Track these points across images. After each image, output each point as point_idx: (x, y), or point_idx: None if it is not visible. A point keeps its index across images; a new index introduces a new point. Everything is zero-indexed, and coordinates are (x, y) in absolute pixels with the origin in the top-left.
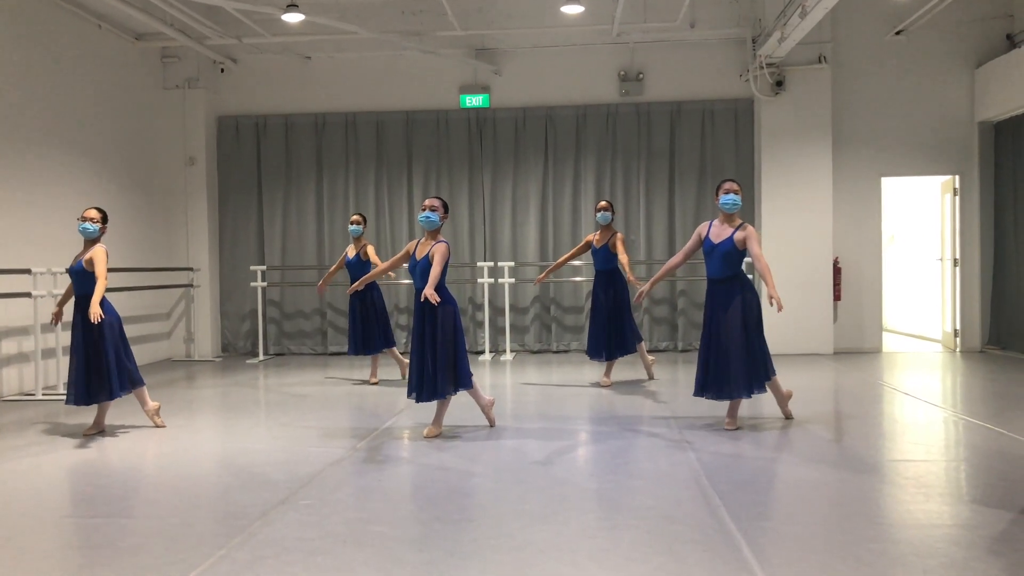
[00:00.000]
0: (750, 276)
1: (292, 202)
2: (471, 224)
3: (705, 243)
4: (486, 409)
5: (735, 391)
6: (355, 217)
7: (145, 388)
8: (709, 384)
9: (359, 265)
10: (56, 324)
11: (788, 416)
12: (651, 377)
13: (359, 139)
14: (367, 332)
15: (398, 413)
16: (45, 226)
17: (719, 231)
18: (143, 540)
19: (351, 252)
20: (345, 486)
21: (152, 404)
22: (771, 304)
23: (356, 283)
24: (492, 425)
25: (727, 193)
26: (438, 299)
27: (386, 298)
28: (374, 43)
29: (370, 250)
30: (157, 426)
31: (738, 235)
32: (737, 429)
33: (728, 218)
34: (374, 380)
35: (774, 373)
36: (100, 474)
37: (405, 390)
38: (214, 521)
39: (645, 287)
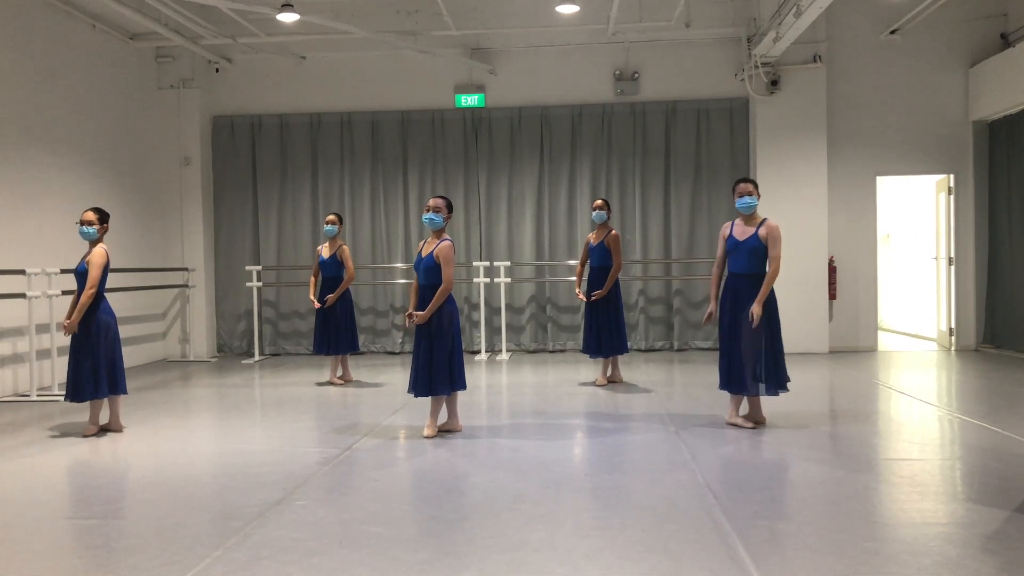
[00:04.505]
0: None
1: (287, 202)
2: (467, 224)
3: (729, 241)
4: (452, 422)
5: (753, 387)
6: (331, 217)
7: (120, 399)
8: (733, 378)
9: (334, 265)
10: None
11: (739, 423)
12: (598, 383)
13: (354, 139)
14: (332, 333)
15: (393, 413)
16: (39, 227)
17: (742, 229)
18: (138, 541)
19: (325, 252)
20: (341, 486)
21: (96, 427)
22: (748, 316)
23: (332, 295)
24: (459, 429)
25: (741, 196)
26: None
27: (383, 297)
28: (369, 43)
29: (345, 251)
30: (84, 435)
31: (762, 231)
32: (755, 426)
33: (748, 217)
34: (339, 380)
35: (786, 380)
36: (95, 475)
37: (388, 390)
38: (210, 522)
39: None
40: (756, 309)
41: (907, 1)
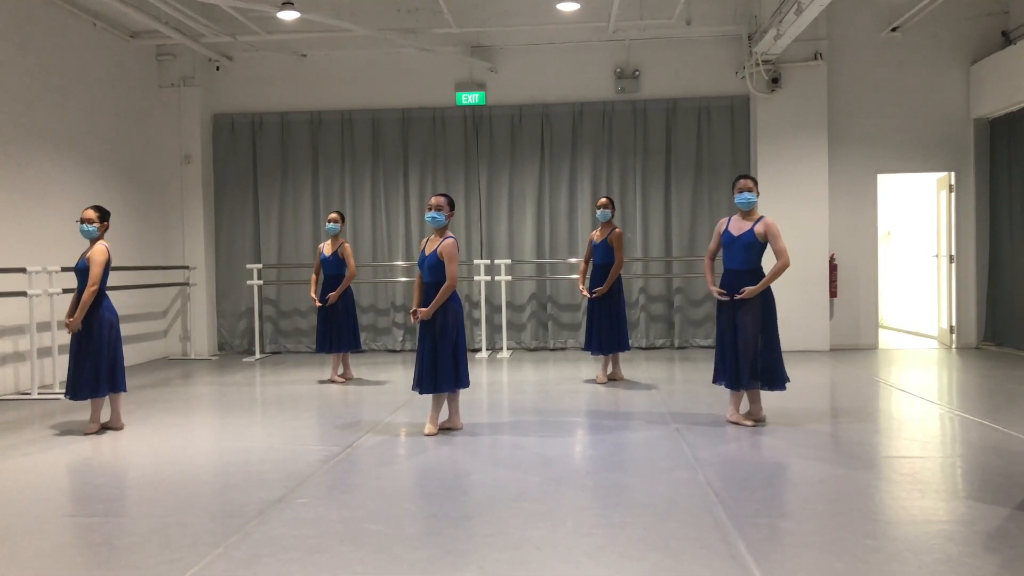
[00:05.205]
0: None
1: (288, 200)
2: (467, 222)
3: (724, 236)
4: (454, 420)
5: (749, 383)
6: (333, 215)
7: (120, 397)
8: (730, 374)
9: (335, 263)
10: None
11: (740, 421)
12: (599, 380)
13: (355, 137)
14: (334, 331)
15: (395, 411)
16: (40, 225)
17: (739, 225)
18: (139, 539)
19: (327, 250)
20: (342, 484)
21: (97, 425)
22: (739, 292)
23: (333, 293)
24: (459, 428)
25: (741, 192)
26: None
27: (384, 295)
28: (370, 41)
29: (347, 249)
30: (86, 433)
31: (758, 228)
32: (755, 424)
33: (746, 213)
34: (340, 378)
35: (785, 379)
36: (96, 473)
37: (389, 388)
38: (211, 520)
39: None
40: (749, 288)
41: None
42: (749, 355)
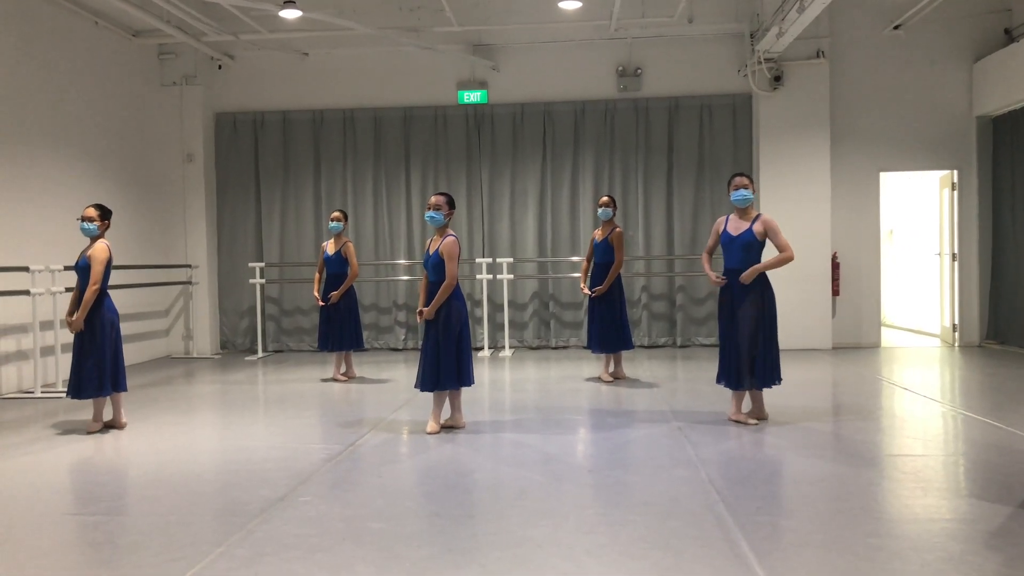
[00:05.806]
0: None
1: (290, 198)
2: (469, 220)
3: (723, 236)
4: (456, 418)
5: (749, 382)
6: (336, 214)
7: (121, 396)
8: (726, 373)
9: (338, 262)
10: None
11: (742, 419)
12: (602, 379)
13: (357, 135)
14: (336, 330)
15: (397, 409)
16: (43, 224)
17: (736, 224)
18: (142, 538)
19: (330, 248)
20: (344, 483)
21: (99, 424)
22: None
23: (336, 292)
24: (462, 426)
25: (737, 189)
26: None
27: (386, 294)
28: (371, 39)
29: (350, 248)
30: (88, 432)
31: (756, 226)
32: (758, 422)
33: (743, 212)
34: (342, 377)
35: (777, 381)
36: (99, 471)
37: (392, 387)
38: (213, 518)
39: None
40: (747, 273)
41: None
42: (748, 355)
